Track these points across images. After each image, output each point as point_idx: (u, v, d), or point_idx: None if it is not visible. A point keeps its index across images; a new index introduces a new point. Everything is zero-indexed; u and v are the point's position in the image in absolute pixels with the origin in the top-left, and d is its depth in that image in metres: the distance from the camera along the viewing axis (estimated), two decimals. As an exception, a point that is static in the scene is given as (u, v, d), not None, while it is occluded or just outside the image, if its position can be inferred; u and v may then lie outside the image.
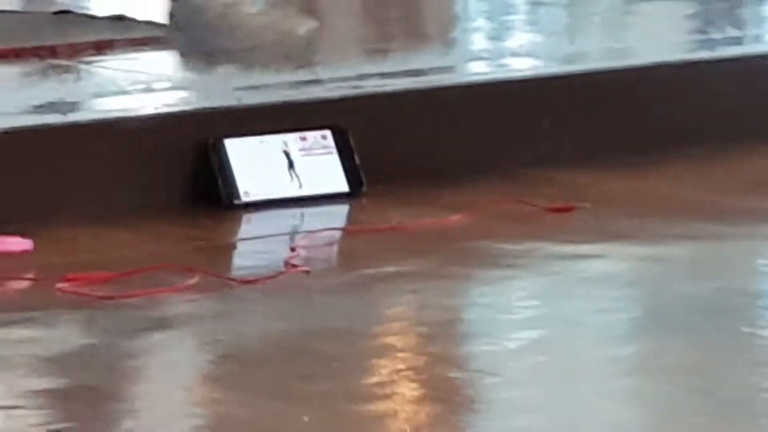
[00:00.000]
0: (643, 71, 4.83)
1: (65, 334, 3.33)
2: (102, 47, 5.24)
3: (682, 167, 4.30)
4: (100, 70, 4.91)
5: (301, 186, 4.03)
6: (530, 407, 2.85)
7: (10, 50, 5.10)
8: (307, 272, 3.57)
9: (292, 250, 3.69)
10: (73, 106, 4.35)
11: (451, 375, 3.09)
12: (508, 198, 3.92)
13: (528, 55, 5.34)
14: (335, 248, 3.90)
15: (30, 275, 3.60)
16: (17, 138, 4.04)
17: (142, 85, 4.64)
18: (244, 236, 3.98)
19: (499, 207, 3.87)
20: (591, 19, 6.56)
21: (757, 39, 5.82)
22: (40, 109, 4.34)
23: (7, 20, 5.46)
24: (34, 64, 4.93)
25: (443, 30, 6.20)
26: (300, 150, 4.04)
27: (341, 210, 4.08)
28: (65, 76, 4.93)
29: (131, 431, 2.77)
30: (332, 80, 4.51)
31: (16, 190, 3.93)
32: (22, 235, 3.67)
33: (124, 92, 4.53)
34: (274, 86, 4.50)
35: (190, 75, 4.80)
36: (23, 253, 3.67)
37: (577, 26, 6.35)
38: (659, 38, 5.76)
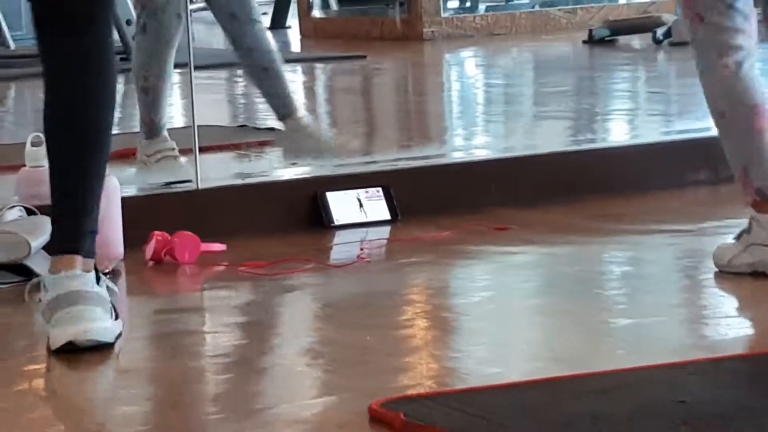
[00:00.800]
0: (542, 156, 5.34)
1: (244, 294, 4.07)
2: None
3: (573, 208, 4.86)
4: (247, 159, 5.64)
5: (366, 216, 4.71)
6: (485, 332, 3.62)
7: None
8: (368, 262, 4.37)
9: (361, 249, 4.43)
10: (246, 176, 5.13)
11: (444, 315, 3.85)
12: (475, 223, 4.63)
13: (485, 147, 6.01)
14: (383, 249, 4.60)
15: (224, 263, 4.28)
16: (219, 193, 4.75)
17: (281, 164, 5.44)
18: (336, 242, 4.64)
19: (470, 227, 4.57)
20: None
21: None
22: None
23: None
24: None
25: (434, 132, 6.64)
26: (366, 198, 4.70)
27: (386, 229, 4.71)
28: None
29: (279, 343, 3.63)
30: (377, 162, 5.31)
31: (219, 217, 4.67)
32: (220, 242, 4.39)
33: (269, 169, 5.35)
34: (350, 165, 5.26)
35: (308, 160, 5.35)
36: (220, 252, 4.35)
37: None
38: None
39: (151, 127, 5.37)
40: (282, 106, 5.39)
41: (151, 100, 5.30)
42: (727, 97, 3.64)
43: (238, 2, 5.22)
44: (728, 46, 3.63)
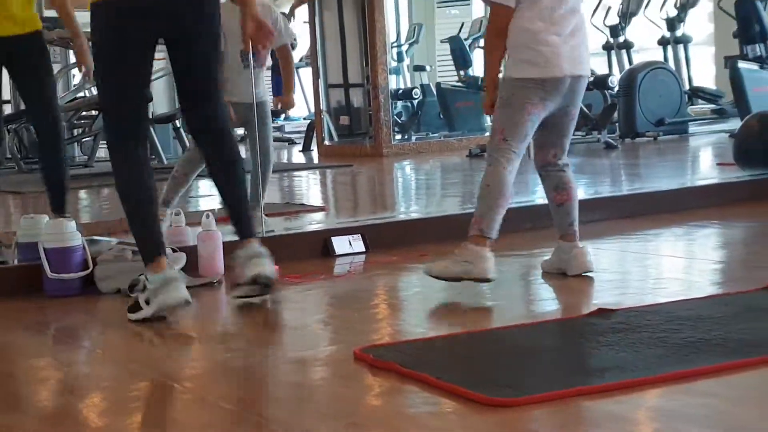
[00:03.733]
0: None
1: (287, 291, 3.76)
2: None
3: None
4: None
5: (353, 249, 4.41)
6: (416, 310, 3.52)
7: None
8: (354, 274, 4.23)
9: (350, 267, 4.28)
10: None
11: (394, 302, 3.75)
12: (410, 252, 4.33)
13: (416, 211, 5.75)
14: (362, 267, 4.27)
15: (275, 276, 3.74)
16: (277, 238, 4.40)
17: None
18: (337, 264, 4.26)
19: (407, 254, 4.28)
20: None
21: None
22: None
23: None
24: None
25: (388, 204, 6.48)
26: (352, 239, 4.42)
27: (363, 256, 4.38)
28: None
29: (306, 316, 3.44)
30: (358, 220, 4.99)
31: (277, 251, 3.91)
32: (276, 265, 3.69)
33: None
34: (344, 222, 4.95)
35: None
36: (276, 270, 3.66)
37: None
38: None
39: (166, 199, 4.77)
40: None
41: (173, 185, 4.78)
42: (497, 181, 3.45)
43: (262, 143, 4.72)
44: (510, 158, 3.46)
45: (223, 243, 3.98)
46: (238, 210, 3.41)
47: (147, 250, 3.23)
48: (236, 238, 3.47)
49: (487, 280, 3.41)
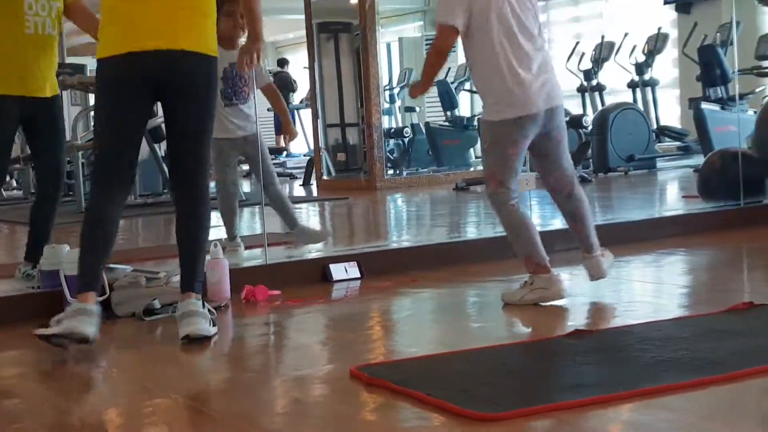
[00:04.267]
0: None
1: (289, 314, 3.73)
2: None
3: (450, 270, 4.47)
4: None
5: (348, 276, 4.36)
6: (408, 331, 3.45)
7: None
8: (350, 297, 4.16)
9: (347, 292, 4.21)
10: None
11: (387, 324, 3.68)
12: (402, 278, 4.26)
13: (407, 240, 5.69)
14: (357, 291, 4.19)
15: (279, 300, 3.93)
16: (279, 265, 4.43)
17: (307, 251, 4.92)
18: (335, 289, 4.21)
19: (399, 280, 4.21)
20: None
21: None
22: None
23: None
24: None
25: (381, 233, 6.37)
26: (348, 266, 4.37)
27: (358, 282, 4.29)
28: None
29: (306, 336, 3.35)
30: (354, 249, 4.97)
31: (279, 277, 4.24)
32: (278, 289, 4.02)
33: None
34: (341, 251, 4.89)
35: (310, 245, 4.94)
36: (278, 294, 3.97)
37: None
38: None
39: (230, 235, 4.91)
40: (290, 223, 5.02)
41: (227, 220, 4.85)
42: (516, 220, 3.53)
43: (266, 172, 4.77)
44: (511, 197, 3.51)
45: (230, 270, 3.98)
46: (188, 261, 3.31)
47: (82, 279, 3.17)
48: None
49: (563, 297, 3.48)
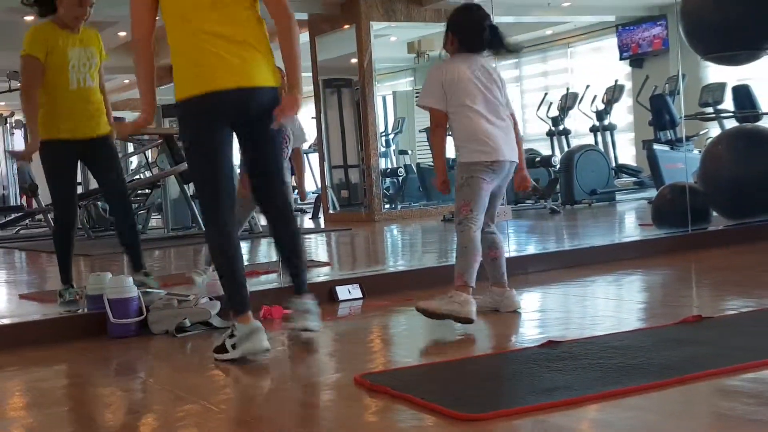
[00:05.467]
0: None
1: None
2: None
3: (439, 290, 4.09)
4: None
5: (352, 296, 4.32)
6: (405, 343, 3.36)
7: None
8: (354, 315, 4.05)
9: (350, 310, 4.10)
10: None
11: (386, 337, 3.59)
12: (398, 297, 4.23)
13: (401, 265, 5.60)
14: (360, 309, 4.11)
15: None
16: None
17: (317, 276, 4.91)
18: (340, 308, 4.14)
19: (395, 299, 4.17)
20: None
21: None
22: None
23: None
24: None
25: (380, 258, 6.25)
26: (351, 288, 4.33)
27: (360, 302, 4.25)
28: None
29: (316, 349, 3.22)
30: (357, 273, 4.94)
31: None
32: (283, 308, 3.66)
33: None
34: (346, 275, 4.85)
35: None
36: (291, 314, 3.55)
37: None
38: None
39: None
40: None
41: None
42: (468, 243, 3.50)
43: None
44: (476, 225, 3.53)
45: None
46: (294, 267, 3.25)
47: (235, 303, 3.07)
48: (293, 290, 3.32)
49: (470, 321, 3.38)
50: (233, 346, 2.99)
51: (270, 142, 3.12)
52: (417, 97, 14.23)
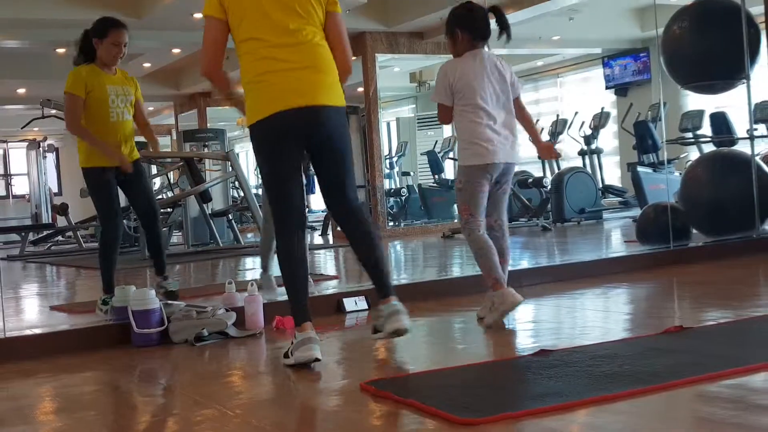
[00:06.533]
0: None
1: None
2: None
3: (437, 301, 4.38)
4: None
5: (358, 307, 4.28)
6: (408, 350, 3.25)
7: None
8: (359, 325, 3.97)
9: (356, 321, 4.09)
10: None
11: (391, 344, 3.35)
12: (409, 307, 3.88)
13: (404, 278, 5.54)
14: (365, 320, 4.05)
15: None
16: None
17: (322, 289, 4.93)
18: (347, 318, 4.13)
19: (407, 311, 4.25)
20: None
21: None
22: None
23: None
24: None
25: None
26: (357, 300, 4.29)
27: (365, 312, 4.20)
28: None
29: (324, 357, 3.06)
30: (363, 286, 4.57)
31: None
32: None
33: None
34: (352, 288, 4.66)
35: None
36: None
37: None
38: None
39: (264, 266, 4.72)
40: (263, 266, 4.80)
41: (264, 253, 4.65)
42: (480, 245, 3.56)
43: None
44: (479, 225, 3.58)
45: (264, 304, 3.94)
46: (377, 272, 3.09)
47: (297, 314, 3.02)
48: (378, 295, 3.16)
49: (522, 301, 3.49)
50: (291, 353, 2.97)
51: (341, 159, 3.05)
52: (419, 122, 14.27)
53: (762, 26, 5.98)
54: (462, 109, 3.52)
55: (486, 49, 3.58)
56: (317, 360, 2.92)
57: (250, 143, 2.96)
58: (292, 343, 2.98)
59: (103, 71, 4.16)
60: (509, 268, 3.72)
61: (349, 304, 4.31)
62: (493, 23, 3.53)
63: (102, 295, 4.28)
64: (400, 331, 2.99)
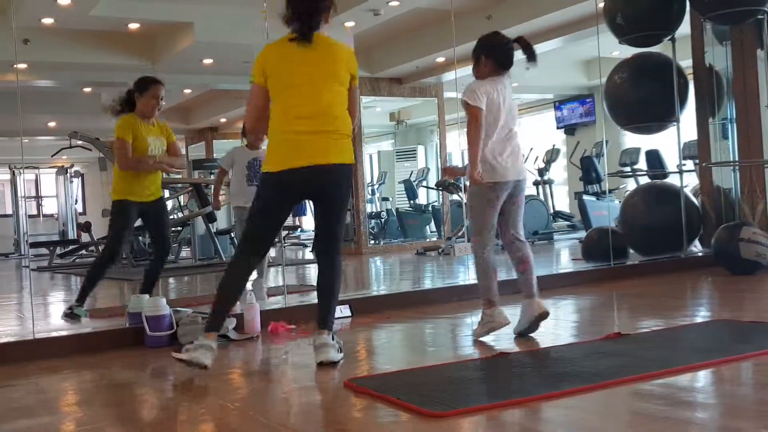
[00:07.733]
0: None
1: (302, 342, 3.51)
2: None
3: (417, 308, 4.33)
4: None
5: (343, 314, 4.22)
6: (386, 352, 3.28)
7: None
8: (344, 329, 3.84)
9: (341, 326, 3.96)
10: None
11: (371, 347, 3.41)
12: (380, 316, 4.09)
13: (384, 289, 5.44)
14: (349, 325, 3.99)
15: (296, 332, 3.80)
16: (295, 309, 4.19)
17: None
18: (333, 324, 3.74)
19: (378, 317, 4.12)
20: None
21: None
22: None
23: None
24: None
25: (365, 284, 6.17)
26: (342, 307, 4.21)
27: (349, 319, 4.16)
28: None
29: (312, 357, 2.99)
30: (348, 295, 4.63)
31: (295, 316, 4.08)
32: (296, 324, 3.93)
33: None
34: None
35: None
36: (297, 327, 3.88)
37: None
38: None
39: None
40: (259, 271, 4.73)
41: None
42: (483, 267, 3.38)
43: None
44: (486, 247, 3.42)
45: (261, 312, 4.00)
46: (325, 305, 3.07)
47: (213, 322, 2.98)
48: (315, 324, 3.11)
49: (508, 323, 3.34)
50: (187, 350, 2.91)
51: (334, 212, 3.02)
52: (397, 155, 14.25)
53: (690, 77, 6.09)
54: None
55: (507, 77, 3.40)
56: (205, 368, 2.85)
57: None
58: (192, 342, 2.95)
59: (143, 122, 4.21)
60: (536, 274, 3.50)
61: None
62: (519, 52, 3.36)
63: (75, 303, 4.24)
64: (325, 363, 2.90)
